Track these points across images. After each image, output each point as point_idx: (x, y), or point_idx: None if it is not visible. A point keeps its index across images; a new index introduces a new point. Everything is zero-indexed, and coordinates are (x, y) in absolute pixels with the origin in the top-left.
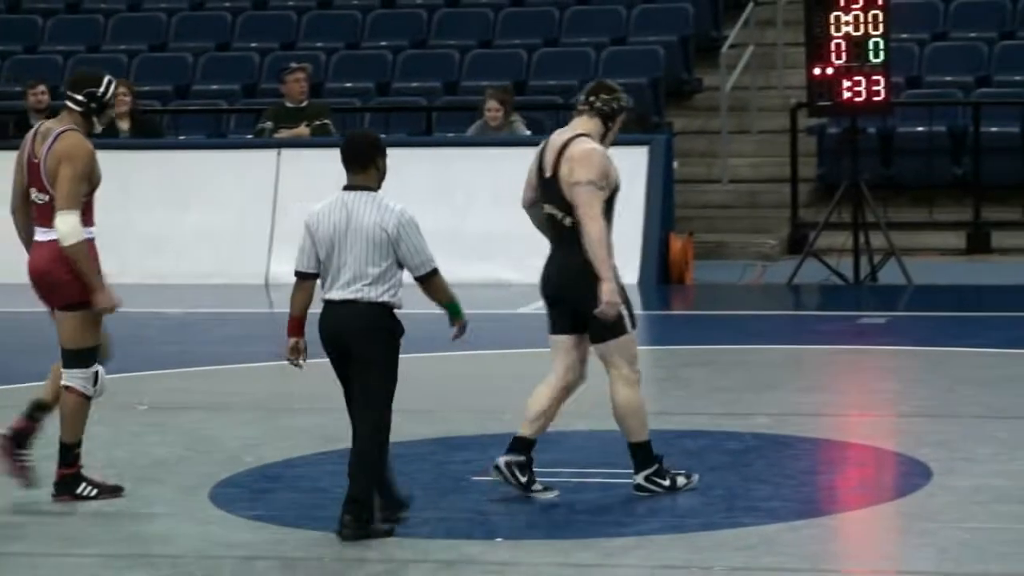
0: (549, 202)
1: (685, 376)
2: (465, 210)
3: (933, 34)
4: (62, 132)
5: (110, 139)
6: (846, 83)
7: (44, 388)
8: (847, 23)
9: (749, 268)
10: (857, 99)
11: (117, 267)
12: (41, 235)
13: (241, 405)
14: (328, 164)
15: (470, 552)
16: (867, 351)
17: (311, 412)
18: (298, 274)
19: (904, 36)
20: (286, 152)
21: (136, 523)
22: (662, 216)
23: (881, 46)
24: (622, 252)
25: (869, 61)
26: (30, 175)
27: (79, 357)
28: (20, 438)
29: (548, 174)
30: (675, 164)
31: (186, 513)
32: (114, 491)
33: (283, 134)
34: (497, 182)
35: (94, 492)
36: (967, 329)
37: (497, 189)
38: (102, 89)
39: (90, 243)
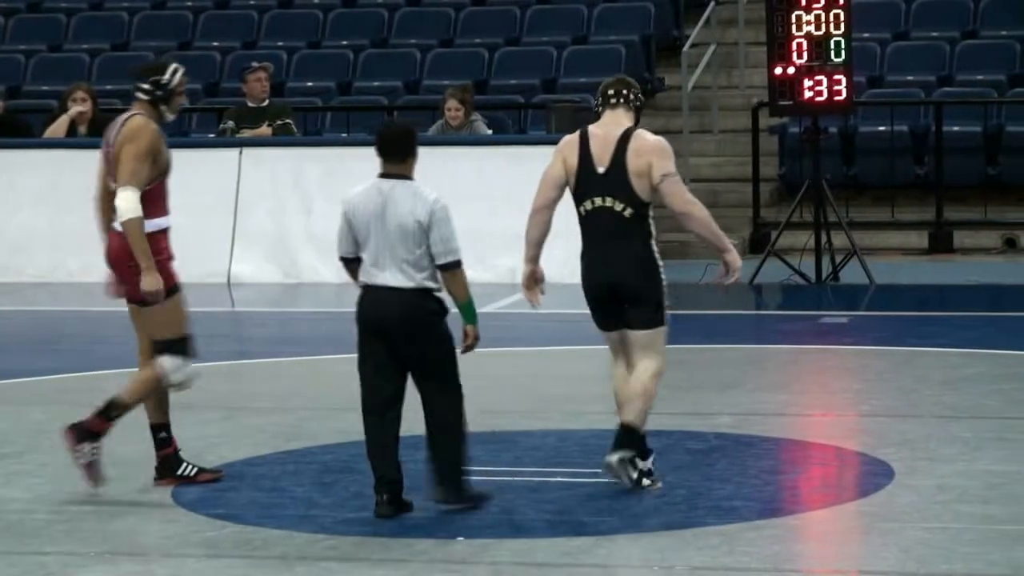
0: (606, 195)
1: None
2: None
3: (895, 33)
4: (128, 117)
5: (69, 139)
6: (808, 82)
7: (122, 387)
8: (808, 22)
9: (711, 268)
10: (819, 98)
11: (80, 266)
12: (116, 224)
13: (203, 404)
14: (290, 163)
15: (431, 551)
16: (829, 351)
17: (273, 411)
18: (342, 259)
19: (866, 35)
20: (248, 151)
21: (99, 521)
22: None
23: (843, 45)
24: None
25: (831, 60)
26: (107, 164)
27: (174, 346)
28: (91, 434)
29: (603, 168)
30: None
31: (149, 511)
32: (214, 473)
33: (245, 134)
34: (458, 182)
35: (195, 471)
36: (929, 329)
37: (458, 188)
38: (167, 77)
39: (164, 233)
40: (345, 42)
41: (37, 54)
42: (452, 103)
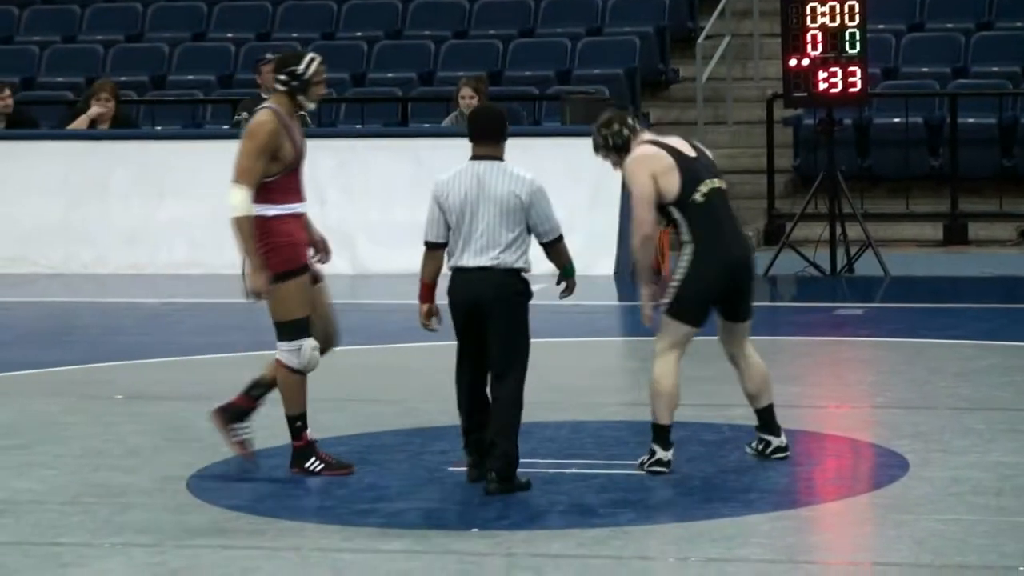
0: (713, 176)
1: None
2: None
3: (910, 25)
4: (258, 110)
5: (82, 131)
6: (822, 74)
7: (265, 365)
8: (823, 14)
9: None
10: (833, 90)
11: (94, 258)
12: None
13: (218, 395)
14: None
15: (446, 542)
16: (844, 342)
17: None
18: (427, 244)
19: (880, 27)
20: None
21: (113, 512)
22: None
23: (857, 37)
24: (598, 244)
25: (845, 52)
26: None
27: (283, 329)
28: (239, 413)
29: (693, 154)
30: None
31: (163, 502)
32: (343, 468)
33: None
34: None
35: (320, 467)
36: (944, 320)
37: None
38: (302, 67)
39: (293, 217)
40: (359, 33)
41: (51, 45)
42: (466, 91)
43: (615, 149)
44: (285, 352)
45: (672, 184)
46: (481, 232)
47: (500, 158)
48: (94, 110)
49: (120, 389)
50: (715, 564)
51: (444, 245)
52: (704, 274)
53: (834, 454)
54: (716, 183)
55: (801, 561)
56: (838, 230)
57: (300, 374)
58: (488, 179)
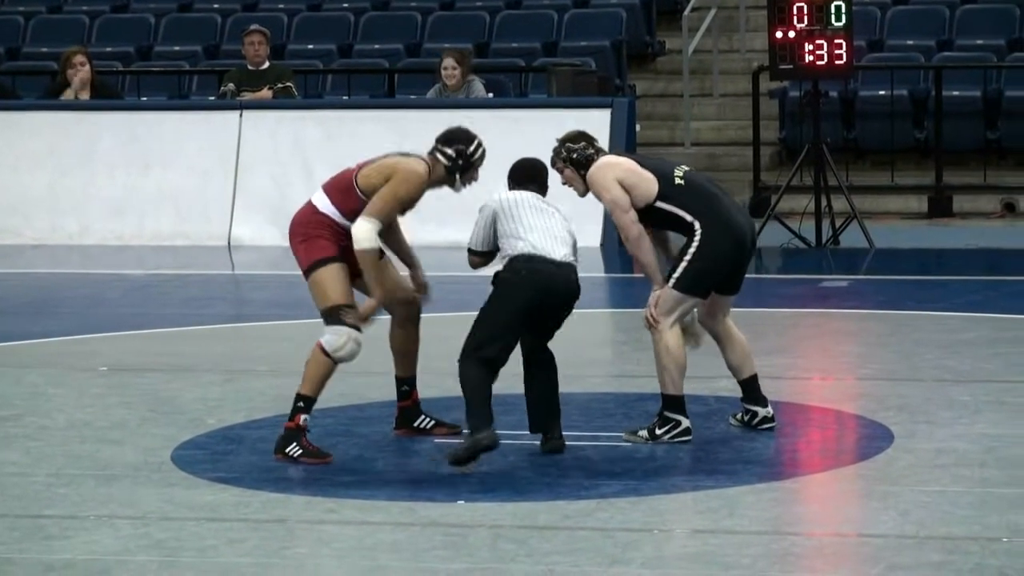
0: (682, 164)
1: (647, 339)
2: None
3: None
4: (412, 157)
5: (68, 101)
6: (808, 46)
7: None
8: None
9: None
10: (819, 63)
11: (79, 228)
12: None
13: (203, 367)
14: (290, 126)
15: (432, 514)
16: (829, 314)
17: (273, 374)
18: (470, 251)
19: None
20: (248, 114)
21: (98, 484)
22: None
23: (843, 10)
24: (585, 216)
25: (831, 24)
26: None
27: (323, 317)
28: (409, 414)
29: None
30: (637, 127)
31: (148, 475)
32: (322, 457)
33: (246, 96)
34: None
35: (299, 452)
36: (929, 293)
37: None
38: (471, 149)
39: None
40: (346, 4)
41: (36, 16)
42: (449, 62)
43: (574, 164)
44: (326, 336)
45: (646, 180)
46: (555, 234)
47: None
48: (76, 79)
49: (105, 361)
50: (700, 536)
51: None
52: (717, 248)
53: (819, 426)
54: (684, 167)
55: (786, 532)
56: (823, 202)
57: (331, 360)
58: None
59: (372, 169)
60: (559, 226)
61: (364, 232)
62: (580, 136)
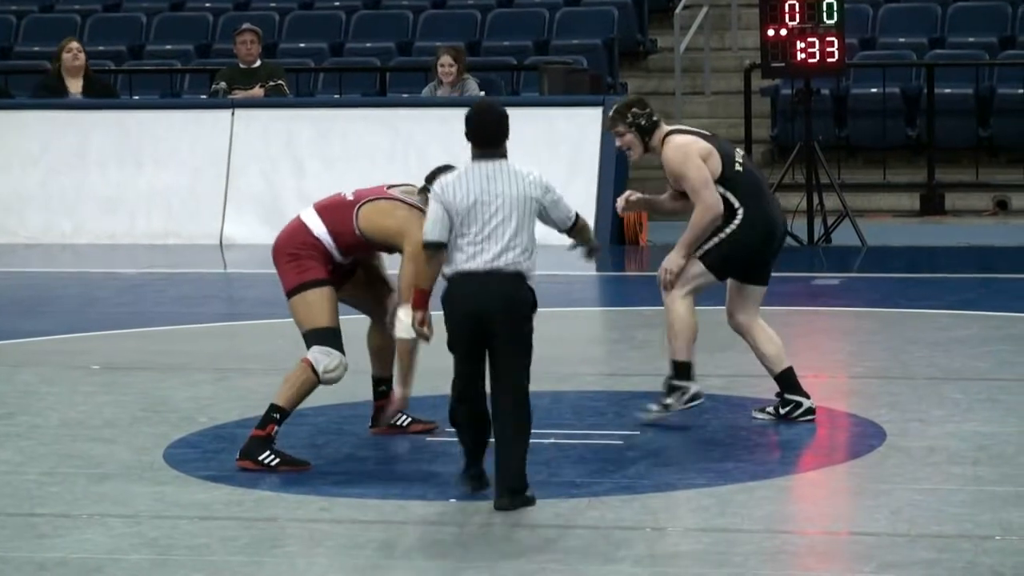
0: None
1: (640, 337)
2: (419, 170)
3: None
4: (416, 211)
5: (61, 100)
6: (800, 44)
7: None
8: None
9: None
10: (811, 60)
11: (72, 227)
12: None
13: (195, 365)
14: (282, 124)
15: (424, 513)
16: (821, 312)
17: (265, 373)
18: (428, 244)
19: None
20: (240, 113)
21: (90, 483)
22: (616, 177)
23: (835, 7)
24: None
25: (823, 22)
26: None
27: (311, 337)
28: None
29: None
30: None
31: (140, 473)
32: (300, 465)
33: (238, 95)
34: (451, 142)
35: (275, 461)
36: (920, 291)
37: (451, 149)
38: None
39: (336, 268)
40: (337, 3)
41: (28, 15)
42: (446, 59)
43: (640, 130)
44: (314, 353)
45: (715, 164)
46: (488, 236)
47: (503, 156)
48: (72, 67)
49: (98, 360)
50: (692, 534)
51: (445, 246)
52: (751, 237)
53: (811, 424)
54: (741, 151)
55: (778, 531)
56: (815, 200)
57: (318, 379)
58: (494, 180)
59: (374, 211)
60: (508, 204)
61: (405, 324)
62: (642, 101)
